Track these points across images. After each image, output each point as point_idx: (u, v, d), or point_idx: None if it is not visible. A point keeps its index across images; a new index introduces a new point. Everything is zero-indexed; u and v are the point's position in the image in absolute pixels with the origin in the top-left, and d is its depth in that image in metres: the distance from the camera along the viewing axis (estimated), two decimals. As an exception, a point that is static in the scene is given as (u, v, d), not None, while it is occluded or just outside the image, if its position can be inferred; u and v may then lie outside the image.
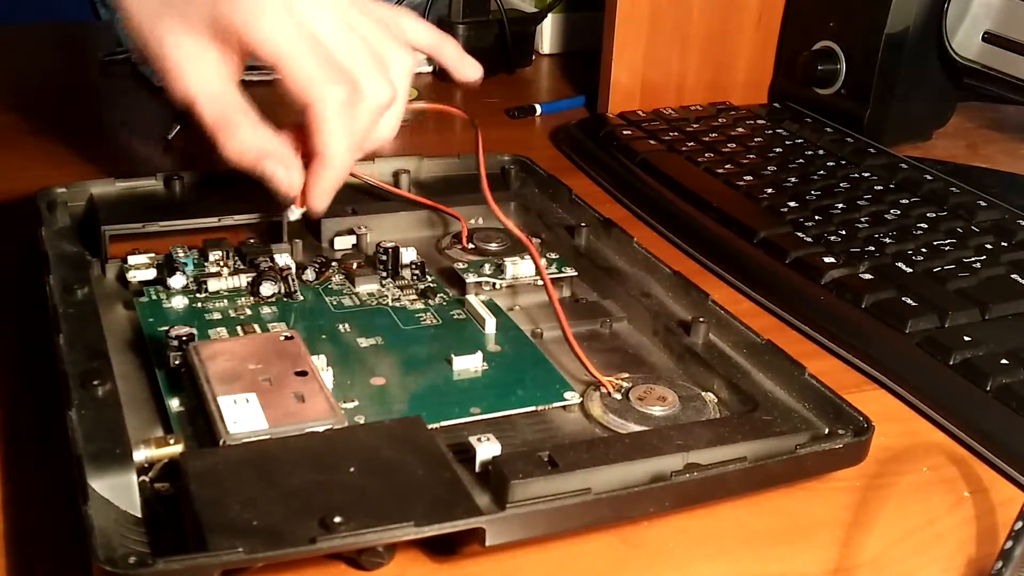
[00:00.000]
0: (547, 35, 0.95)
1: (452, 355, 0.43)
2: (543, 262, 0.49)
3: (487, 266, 0.50)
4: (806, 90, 0.75)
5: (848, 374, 0.47)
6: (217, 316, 0.46)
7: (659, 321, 0.47)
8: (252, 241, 0.51)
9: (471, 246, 0.54)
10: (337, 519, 0.31)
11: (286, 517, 0.32)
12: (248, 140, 0.46)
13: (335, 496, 0.33)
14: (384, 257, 0.50)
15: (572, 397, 0.42)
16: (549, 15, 0.93)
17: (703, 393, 0.43)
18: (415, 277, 0.51)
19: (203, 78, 0.46)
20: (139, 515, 0.34)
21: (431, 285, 0.50)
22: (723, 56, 0.78)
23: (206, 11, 0.45)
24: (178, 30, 0.46)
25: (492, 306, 0.48)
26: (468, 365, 0.43)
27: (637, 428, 0.40)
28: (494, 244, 0.54)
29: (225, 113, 0.46)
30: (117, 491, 0.33)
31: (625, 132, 0.69)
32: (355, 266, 0.51)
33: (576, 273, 0.51)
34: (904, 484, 0.40)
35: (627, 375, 0.43)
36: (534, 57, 0.93)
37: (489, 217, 0.56)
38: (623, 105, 0.75)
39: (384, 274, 0.50)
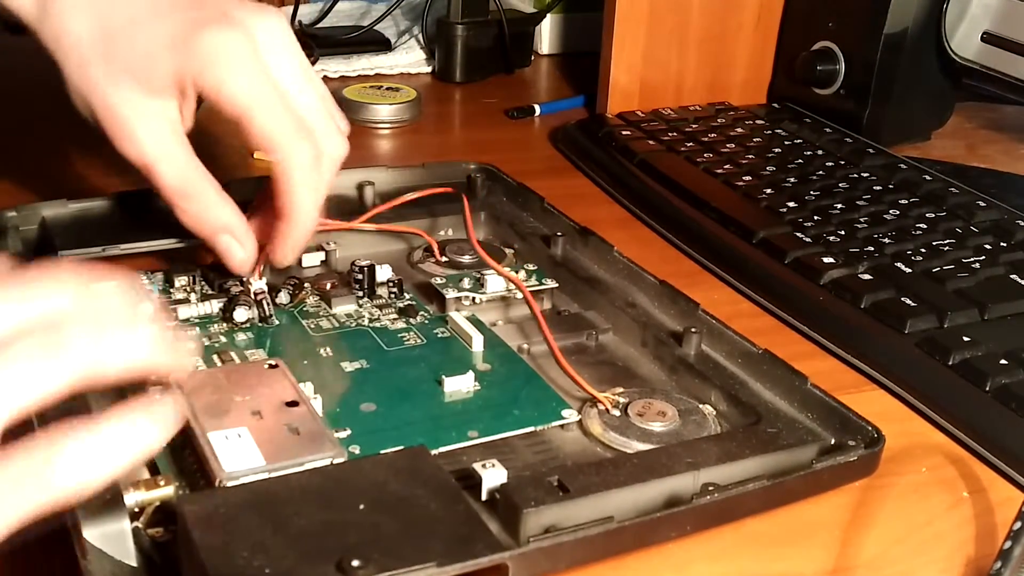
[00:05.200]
0: (546, 35, 0.95)
1: (443, 376, 0.42)
2: (521, 275, 0.49)
3: (466, 280, 0.49)
4: (805, 90, 0.75)
5: (847, 374, 0.47)
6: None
7: (648, 332, 0.46)
8: (218, 263, 0.48)
9: (444, 259, 0.52)
10: (355, 562, 0.30)
11: (299, 562, 0.30)
12: (208, 213, 0.45)
13: (348, 536, 0.31)
14: (360, 276, 0.49)
15: (570, 415, 0.41)
16: (548, 15, 0.93)
17: (701, 406, 0.42)
18: (392, 295, 0.49)
19: (158, 140, 0.44)
20: (134, 564, 0.32)
21: (410, 303, 0.49)
22: (722, 56, 0.78)
23: (166, 65, 0.42)
24: (126, 87, 0.43)
25: (476, 322, 0.47)
26: (460, 386, 0.42)
27: (640, 446, 0.39)
28: (467, 256, 0.52)
29: (186, 181, 0.44)
30: (110, 540, 0.32)
31: (624, 132, 0.69)
32: (329, 286, 0.49)
33: (556, 285, 0.50)
34: (903, 484, 0.40)
35: (621, 389, 0.43)
36: (533, 57, 0.93)
37: (458, 229, 0.55)
38: (622, 105, 0.75)
39: (360, 293, 0.49)
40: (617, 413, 0.41)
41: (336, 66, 0.86)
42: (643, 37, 0.75)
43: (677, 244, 0.59)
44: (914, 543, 0.37)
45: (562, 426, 0.41)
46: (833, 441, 0.39)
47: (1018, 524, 0.31)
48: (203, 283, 0.49)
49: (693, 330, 0.45)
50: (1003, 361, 0.44)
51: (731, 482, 0.36)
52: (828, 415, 0.40)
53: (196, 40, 0.42)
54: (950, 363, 0.44)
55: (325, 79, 0.85)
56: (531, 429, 0.40)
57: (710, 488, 0.35)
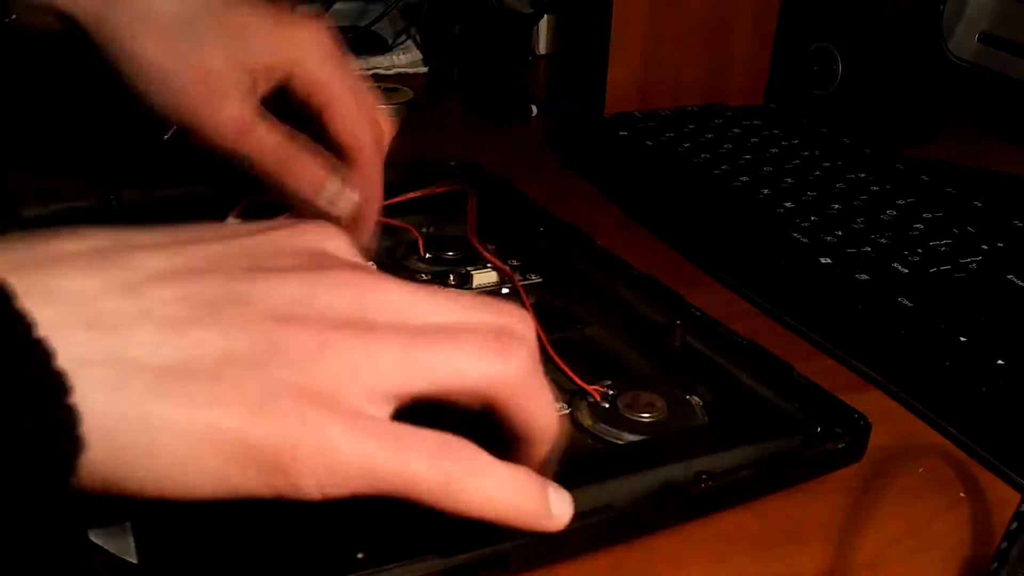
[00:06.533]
0: (543, 36, 0.95)
1: None
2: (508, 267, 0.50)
3: (451, 276, 0.49)
4: (802, 91, 0.75)
5: (845, 375, 0.47)
6: None
7: (633, 325, 0.47)
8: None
9: (428, 256, 0.52)
10: (360, 555, 0.30)
11: (303, 555, 0.30)
12: (311, 168, 0.47)
13: (352, 528, 0.31)
14: None
15: (560, 408, 0.41)
16: (545, 16, 0.93)
17: (688, 397, 0.42)
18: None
19: (252, 107, 0.47)
20: (135, 562, 0.32)
21: None
22: (720, 57, 0.78)
23: (261, 44, 0.47)
24: (219, 59, 0.46)
25: None
26: None
27: (631, 437, 0.40)
28: (451, 252, 0.52)
29: (284, 144, 0.47)
30: (110, 539, 0.31)
31: (621, 133, 0.69)
32: None
33: (541, 280, 0.50)
34: (900, 485, 0.40)
35: (610, 382, 0.43)
36: (530, 58, 0.93)
37: (441, 225, 0.55)
38: (619, 106, 0.75)
39: None
40: (607, 405, 0.41)
41: (333, 66, 0.86)
42: (640, 38, 0.75)
43: (674, 245, 0.59)
44: (911, 544, 0.37)
45: None
46: (820, 429, 0.40)
47: (1015, 524, 0.31)
48: None
49: (678, 322, 0.45)
50: (1000, 362, 0.44)
51: (723, 470, 0.36)
52: (814, 404, 0.41)
53: (294, 30, 0.47)
54: (947, 364, 0.44)
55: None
56: None
57: (703, 476, 0.36)
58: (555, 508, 0.31)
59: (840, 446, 0.38)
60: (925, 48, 0.71)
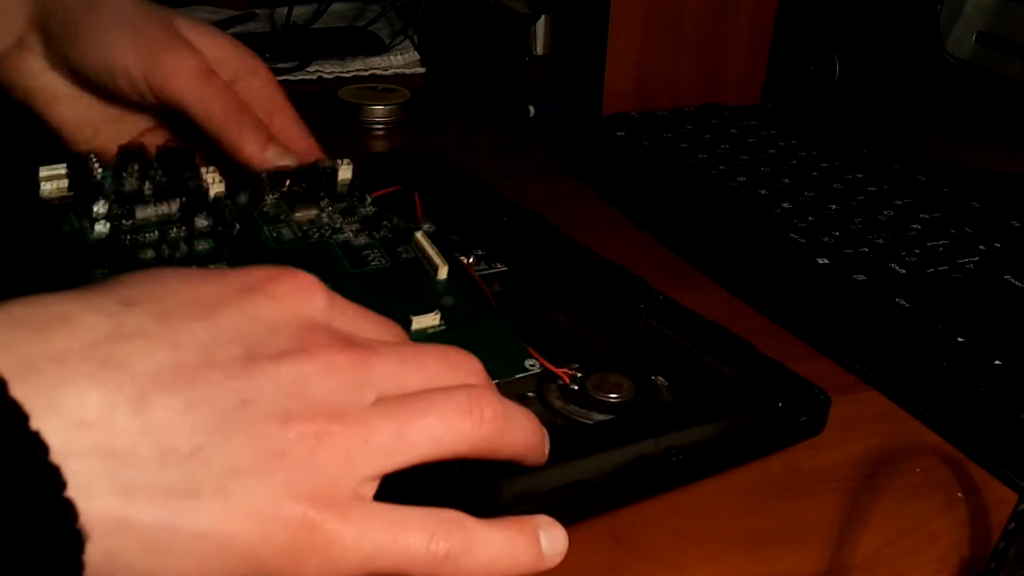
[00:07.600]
0: (541, 36, 0.95)
1: (410, 316, 0.41)
2: (470, 260, 0.50)
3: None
4: (800, 91, 0.75)
5: (842, 375, 0.47)
6: (150, 253, 0.42)
7: (598, 310, 0.47)
8: (171, 145, 0.48)
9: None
10: None
11: None
12: (259, 125, 0.48)
13: None
14: (322, 178, 0.48)
15: (533, 366, 0.41)
16: (543, 16, 0.93)
17: (654, 377, 0.44)
18: (355, 199, 0.49)
19: (201, 71, 0.48)
20: None
21: (373, 211, 0.48)
22: (717, 57, 0.78)
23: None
24: (163, 35, 0.48)
25: (441, 247, 0.46)
26: (425, 324, 0.42)
27: (600, 416, 0.41)
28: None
29: (235, 101, 0.48)
30: None
31: (618, 133, 0.69)
32: (288, 183, 0.48)
33: (506, 268, 0.51)
34: (897, 485, 0.40)
35: (578, 365, 0.44)
36: (528, 58, 0.93)
37: (404, 217, 0.55)
38: (617, 106, 0.75)
39: (322, 194, 0.48)
40: (575, 387, 0.42)
41: (331, 67, 0.86)
42: (638, 38, 0.75)
43: (671, 245, 0.59)
44: (909, 544, 0.37)
45: (525, 395, 0.42)
46: (781, 404, 0.41)
47: (1012, 524, 0.31)
48: (159, 171, 0.47)
49: (642, 306, 0.46)
50: (997, 362, 0.44)
51: (690, 445, 0.38)
52: (776, 380, 0.42)
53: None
54: (944, 364, 0.44)
55: (320, 80, 0.85)
56: (496, 382, 0.39)
57: (673, 451, 0.37)
58: (548, 550, 0.32)
59: (802, 419, 0.40)
60: (922, 48, 0.71)
